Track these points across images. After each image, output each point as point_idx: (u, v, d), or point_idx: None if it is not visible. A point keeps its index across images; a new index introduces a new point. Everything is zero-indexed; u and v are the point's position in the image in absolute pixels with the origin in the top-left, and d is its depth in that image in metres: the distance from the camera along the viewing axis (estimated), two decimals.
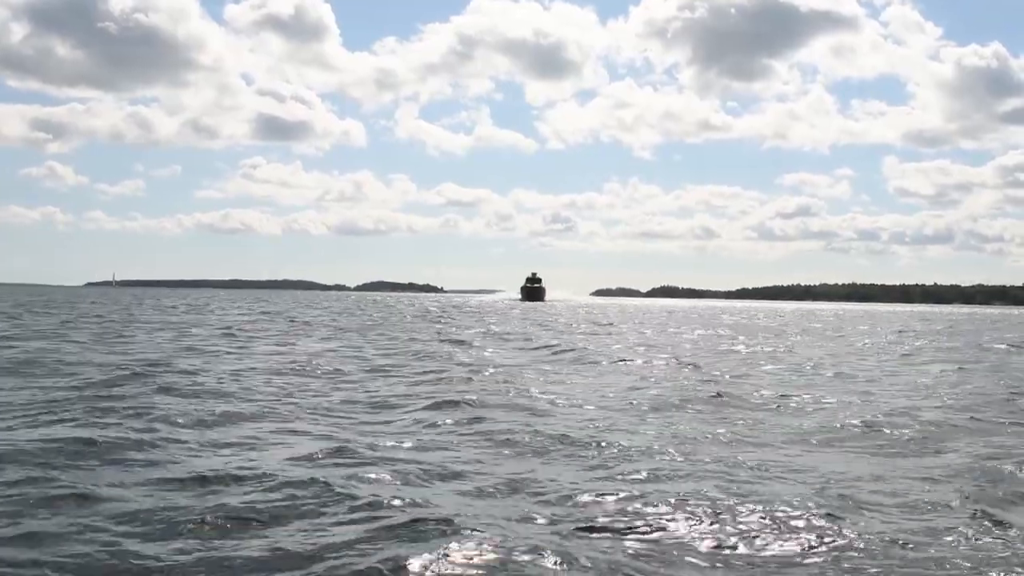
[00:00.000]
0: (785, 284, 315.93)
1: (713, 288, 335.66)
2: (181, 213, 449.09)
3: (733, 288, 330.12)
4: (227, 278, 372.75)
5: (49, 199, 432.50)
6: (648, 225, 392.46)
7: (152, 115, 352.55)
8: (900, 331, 43.06)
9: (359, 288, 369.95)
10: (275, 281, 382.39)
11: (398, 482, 6.93)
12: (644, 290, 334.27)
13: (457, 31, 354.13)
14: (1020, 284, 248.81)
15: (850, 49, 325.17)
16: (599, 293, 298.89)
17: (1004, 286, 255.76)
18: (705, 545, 5.55)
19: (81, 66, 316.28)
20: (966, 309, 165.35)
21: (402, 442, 8.75)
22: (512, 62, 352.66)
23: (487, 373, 15.89)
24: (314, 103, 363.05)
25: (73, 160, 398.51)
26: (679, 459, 8.15)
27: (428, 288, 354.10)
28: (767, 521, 5.97)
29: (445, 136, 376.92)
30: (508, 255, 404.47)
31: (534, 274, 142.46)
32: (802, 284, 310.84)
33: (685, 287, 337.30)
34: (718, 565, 5.19)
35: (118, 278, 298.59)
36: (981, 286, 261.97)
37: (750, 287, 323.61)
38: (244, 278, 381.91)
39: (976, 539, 5.65)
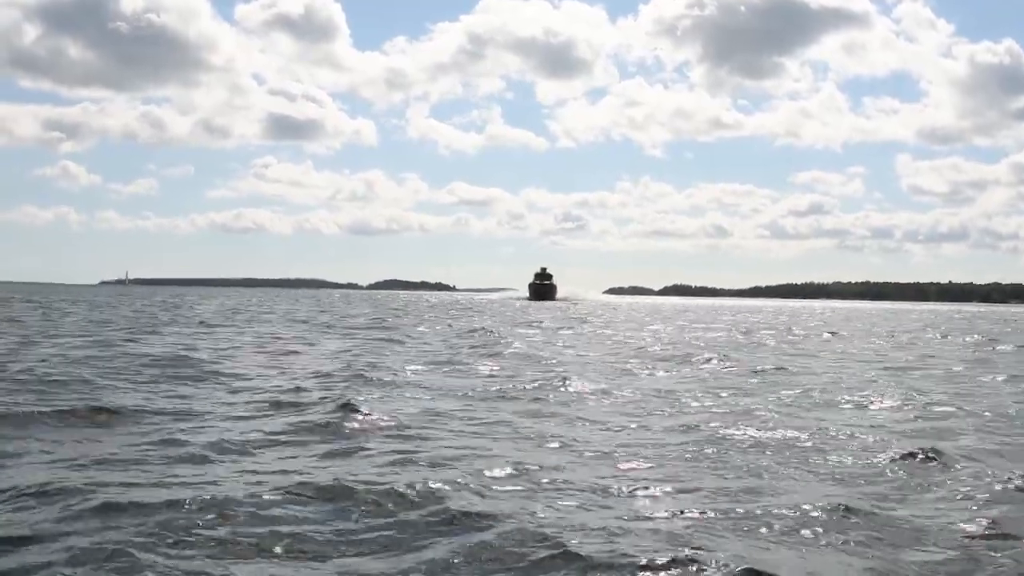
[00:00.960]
0: (799, 282, 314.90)
1: (727, 287, 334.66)
2: (194, 212, 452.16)
3: (746, 286, 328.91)
4: (239, 277, 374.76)
5: (62, 199, 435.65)
6: (660, 223, 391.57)
7: (164, 115, 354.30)
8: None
9: (371, 287, 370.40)
10: (287, 280, 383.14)
11: None
12: (657, 288, 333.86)
13: (467, 30, 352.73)
14: None
15: (861, 46, 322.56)
16: (612, 291, 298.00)
17: (1021, 284, 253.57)
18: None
19: (93, 66, 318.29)
20: (982, 308, 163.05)
21: None
22: (523, 61, 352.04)
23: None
24: (325, 102, 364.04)
25: (86, 160, 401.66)
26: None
27: (440, 287, 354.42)
28: None
29: (456, 135, 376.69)
30: (520, 254, 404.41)
31: (543, 269, 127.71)
32: (816, 282, 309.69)
33: (698, 285, 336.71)
34: None
35: (131, 277, 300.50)
36: (997, 284, 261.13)
37: (763, 285, 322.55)
38: (256, 276, 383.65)
39: None
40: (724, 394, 13.11)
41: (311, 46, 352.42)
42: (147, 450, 7.87)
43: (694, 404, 11.93)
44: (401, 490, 6.34)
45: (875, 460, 8.04)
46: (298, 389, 12.29)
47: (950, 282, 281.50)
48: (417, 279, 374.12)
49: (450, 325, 35.94)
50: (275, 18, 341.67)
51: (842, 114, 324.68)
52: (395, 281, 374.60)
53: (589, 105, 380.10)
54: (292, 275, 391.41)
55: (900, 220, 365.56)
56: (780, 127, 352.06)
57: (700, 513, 6.02)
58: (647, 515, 6.01)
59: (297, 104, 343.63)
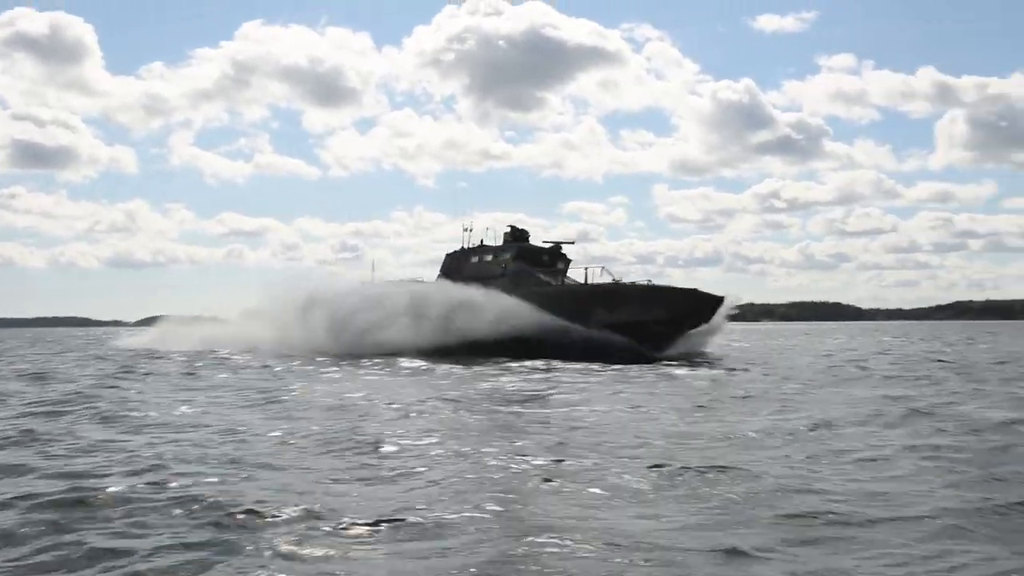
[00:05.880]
0: None
1: None
2: None
3: None
4: None
5: None
6: (437, 252, 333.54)
7: None
8: None
9: (140, 323, 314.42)
10: (45, 319, 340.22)
11: None
12: None
13: (229, 57, 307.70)
14: (784, 303, 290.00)
15: (616, 83, 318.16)
16: None
17: (770, 304, 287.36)
18: None
19: None
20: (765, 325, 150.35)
21: None
22: (289, 89, 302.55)
23: None
24: (78, 128, 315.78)
25: None
26: None
27: (216, 320, 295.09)
28: None
29: (223, 164, 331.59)
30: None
31: (519, 230, 39.65)
32: None
33: None
34: None
35: None
36: (751, 305, 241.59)
37: None
38: (10, 316, 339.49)
39: None
40: None
41: (58, 69, 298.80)
42: None
43: None
44: None
45: None
46: None
47: None
48: (190, 313, 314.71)
49: None
50: (14, 37, 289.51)
51: (602, 146, 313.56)
52: (166, 317, 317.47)
53: (359, 135, 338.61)
54: (51, 313, 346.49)
55: (661, 247, 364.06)
56: (546, 158, 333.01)
57: None
58: None
59: (46, 130, 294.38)
